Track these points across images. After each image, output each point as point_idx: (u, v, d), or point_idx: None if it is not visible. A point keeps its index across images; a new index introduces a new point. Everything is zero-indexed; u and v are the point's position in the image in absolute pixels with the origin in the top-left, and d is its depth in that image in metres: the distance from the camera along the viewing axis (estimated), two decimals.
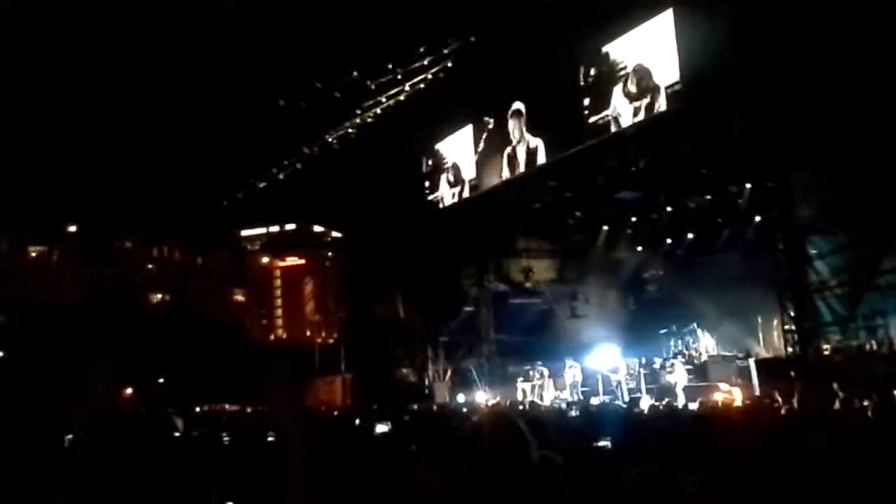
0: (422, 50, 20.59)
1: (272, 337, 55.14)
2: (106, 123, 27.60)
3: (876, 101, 13.91)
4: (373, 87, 21.55)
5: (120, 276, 45.99)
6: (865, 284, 15.98)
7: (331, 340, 43.28)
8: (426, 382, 26.13)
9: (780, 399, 13.45)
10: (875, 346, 15.97)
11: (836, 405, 11.85)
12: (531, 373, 22.49)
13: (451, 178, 24.40)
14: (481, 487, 3.04)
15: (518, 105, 21.42)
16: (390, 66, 20.86)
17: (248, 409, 23.01)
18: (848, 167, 15.11)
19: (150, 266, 51.12)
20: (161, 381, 38.24)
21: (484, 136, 22.81)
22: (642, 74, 17.44)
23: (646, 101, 17.31)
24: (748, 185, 19.31)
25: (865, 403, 11.88)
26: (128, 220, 43.04)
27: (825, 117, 14.71)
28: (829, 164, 15.51)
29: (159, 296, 49.75)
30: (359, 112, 22.67)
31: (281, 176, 25.57)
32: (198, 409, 26.92)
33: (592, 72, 18.81)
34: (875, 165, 14.64)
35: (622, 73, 17.98)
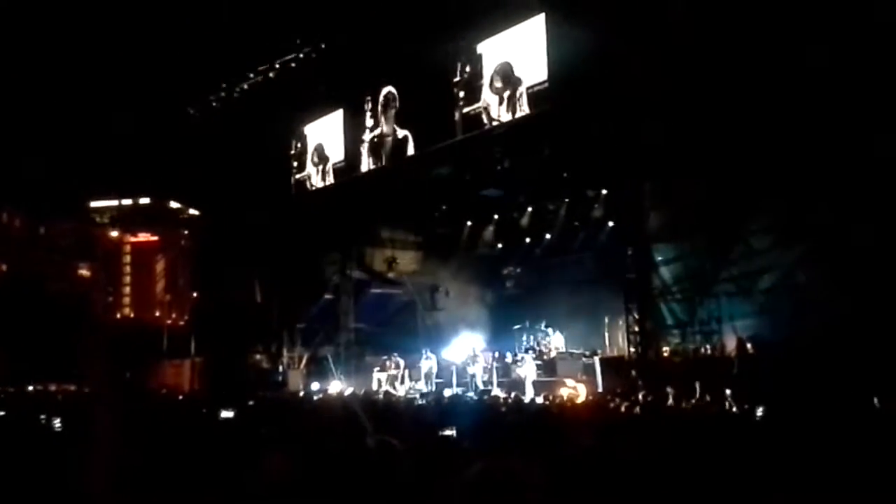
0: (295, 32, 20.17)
1: (118, 315, 52.30)
2: None
3: (724, 120, 14.86)
4: (242, 63, 20.88)
5: None
6: (704, 291, 17.05)
7: (181, 322, 41.57)
8: (280, 369, 25.57)
9: (620, 396, 14.18)
10: (709, 350, 17.08)
11: (670, 402, 12.60)
12: (388, 363, 22.51)
13: (317, 161, 24.01)
14: (318, 469, 2.99)
15: (389, 92, 21.36)
16: (261, 45, 20.27)
17: (86, 390, 21.72)
18: (693, 181, 16.08)
19: None
20: None
21: (354, 121, 22.56)
22: (505, 71, 17.98)
23: (507, 93, 17.85)
24: (604, 191, 20.19)
25: (694, 402, 12.76)
26: None
27: (676, 131, 15.58)
28: (677, 177, 16.45)
29: None
30: (224, 86, 21.85)
31: (136, 146, 24.24)
32: (30, 388, 25.20)
33: (468, 69, 19.05)
34: (717, 181, 15.65)
35: (491, 71, 18.40)
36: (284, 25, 20.19)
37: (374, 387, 21.67)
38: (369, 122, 21.93)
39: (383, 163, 21.60)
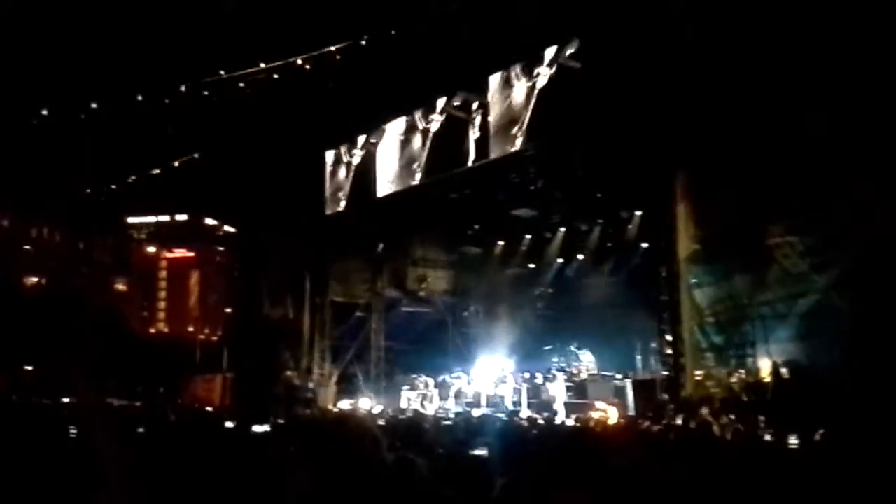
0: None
1: (153, 329, 53.03)
2: None
3: (759, 142, 14.70)
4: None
5: None
6: (739, 315, 16.78)
7: (214, 338, 42.00)
8: (310, 386, 25.66)
9: (652, 419, 14.01)
10: (744, 374, 16.78)
11: (702, 427, 12.40)
12: (417, 382, 22.53)
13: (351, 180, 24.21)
14: (336, 486, 3.01)
15: (423, 114, 21.46)
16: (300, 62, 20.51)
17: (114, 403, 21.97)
18: (728, 204, 15.90)
19: (26, 247, 48.33)
20: (29, 368, 36.12)
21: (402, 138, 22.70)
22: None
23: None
24: (638, 213, 20.07)
25: (726, 426, 12.54)
26: (3, 196, 40.46)
27: (711, 153, 15.45)
28: (711, 199, 16.29)
29: (35, 279, 47.04)
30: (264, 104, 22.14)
31: (176, 163, 24.65)
32: (65, 401, 25.55)
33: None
34: (753, 204, 15.45)
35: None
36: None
37: (404, 405, 21.67)
38: (402, 142, 22.03)
39: (416, 182, 21.67)
